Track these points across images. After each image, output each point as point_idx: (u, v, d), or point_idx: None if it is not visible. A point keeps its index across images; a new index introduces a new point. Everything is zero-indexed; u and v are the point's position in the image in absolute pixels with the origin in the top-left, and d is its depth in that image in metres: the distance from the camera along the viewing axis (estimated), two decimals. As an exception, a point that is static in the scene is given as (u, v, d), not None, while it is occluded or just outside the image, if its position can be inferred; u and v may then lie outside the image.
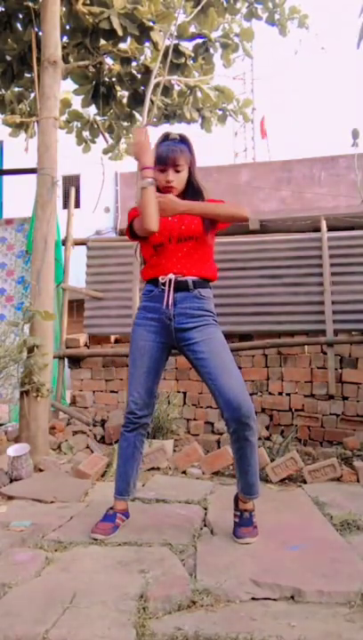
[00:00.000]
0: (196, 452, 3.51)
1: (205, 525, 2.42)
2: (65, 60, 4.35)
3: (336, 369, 4.45)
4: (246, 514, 2.27)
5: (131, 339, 2.38)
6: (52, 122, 3.86)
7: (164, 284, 2.27)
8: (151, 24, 4.20)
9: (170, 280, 2.26)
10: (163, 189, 2.30)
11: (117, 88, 4.99)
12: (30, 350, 3.53)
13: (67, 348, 4.89)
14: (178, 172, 2.31)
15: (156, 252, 2.33)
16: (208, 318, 2.31)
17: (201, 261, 2.34)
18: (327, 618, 1.61)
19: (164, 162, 2.29)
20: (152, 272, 2.34)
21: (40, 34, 4.09)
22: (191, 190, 2.37)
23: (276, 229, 5.18)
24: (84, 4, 4.29)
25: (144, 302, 2.37)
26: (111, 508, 2.35)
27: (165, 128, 5.28)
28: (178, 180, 2.32)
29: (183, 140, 2.37)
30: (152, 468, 3.41)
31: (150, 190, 2.21)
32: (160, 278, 2.29)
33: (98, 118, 5.29)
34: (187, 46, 4.71)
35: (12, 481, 3.10)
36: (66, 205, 5.29)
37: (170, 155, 2.29)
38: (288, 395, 4.54)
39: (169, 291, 2.26)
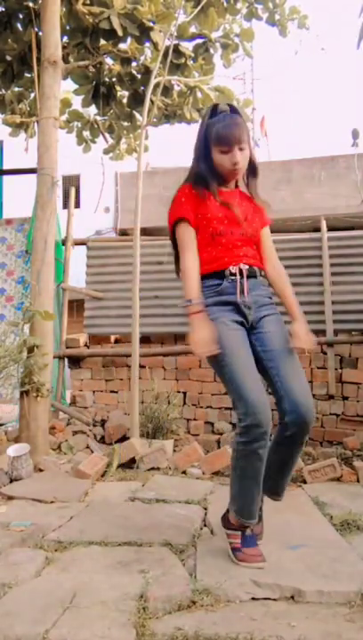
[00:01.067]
0: (196, 451, 3.51)
1: (205, 525, 2.42)
2: (65, 60, 4.35)
3: (336, 369, 4.45)
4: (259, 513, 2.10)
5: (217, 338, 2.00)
6: (52, 122, 3.86)
7: (234, 274, 2.06)
8: (151, 24, 4.20)
9: (240, 269, 2.06)
10: (229, 173, 2.09)
11: (117, 88, 4.99)
12: (30, 350, 3.53)
13: (67, 348, 4.89)
14: (242, 149, 2.06)
15: (214, 242, 2.10)
16: (275, 307, 2.16)
17: (259, 254, 2.19)
18: (327, 618, 1.61)
19: (227, 142, 2.02)
20: (216, 265, 2.09)
21: (40, 34, 4.09)
22: (250, 169, 2.15)
23: (276, 229, 5.18)
24: (84, 4, 4.29)
25: (213, 297, 2.07)
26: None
27: (165, 128, 5.28)
28: (244, 159, 2.07)
29: (236, 112, 2.09)
30: (152, 468, 3.41)
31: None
32: (230, 268, 2.07)
33: (98, 118, 5.29)
34: (187, 46, 4.70)
35: (12, 481, 3.10)
36: (66, 205, 5.28)
37: (234, 132, 2.02)
38: (288, 395, 4.53)
39: (242, 279, 2.06)
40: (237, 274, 2.07)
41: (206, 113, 2.14)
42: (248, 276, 2.09)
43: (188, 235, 2.12)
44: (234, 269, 2.07)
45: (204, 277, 2.10)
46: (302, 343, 2.09)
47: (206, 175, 2.11)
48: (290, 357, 2.05)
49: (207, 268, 2.10)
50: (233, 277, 2.06)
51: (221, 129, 2.03)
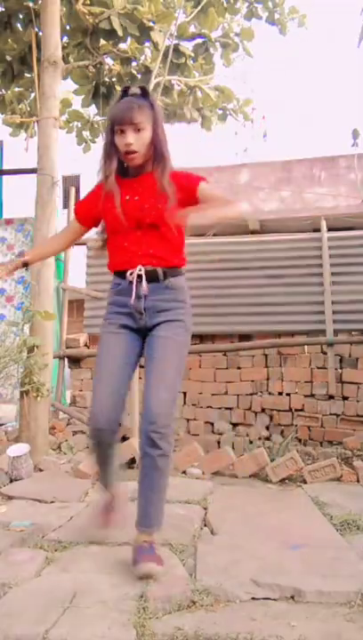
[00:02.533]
0: (196, 451, 3.50)
1: (205, 525, 2.42)
2: (65, 60, 4.35)
3: (336, 369, 4.45)
4: (147, 543, 1.90)
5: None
6: (52, 122, 3.86)
7: (133, 276, 2.01)
8: (151, 24, 4.21)
9: (138, 274, 2.00)
10: (124, 155, 1.99)
11: (117, 88, 4.99)
12: (30, 350, 3.53)
13: (67, 348, 4.89)
14: (139, 130, 1.95)
15: (114, 239, 2.08)
16: (180, 312, 2.06)
17: (170, 248, 2.06)
18: (327, 618, 1.61)
19: (120, 121, 1.95)
20: (119, 264, 2.08)
21: (40, 34, 4.09)
22: (156, 154, 2.02)
23: (276, 229, 5.18)
24: (84, 4, 4.29)
25: (113, 297, 2.12)
26: None
27: (165, 128, 5.28)
28: (140, 141, 1.96)
29: (144, 95, 2.02)
30: (152, 468, 3.40)
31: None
32: (129, 271, 2.02)
33: (98, 118, 5.29)
34: (187, 46, 4.71)
35: (12, 481, 3.10)
36: (66, 205, 5.28)
37: (128, 112, 1.93)
38: (288, 395, 4.53)
39: (135, 283, 2.00)
40: (135, 277, 2.01)
41: (118, 95, 2.07)
42: (149, 280, 2.01)
43: (68, 225, 2.29)
44: (132, 272, 2.02)
45: (113, 274, 2.13)
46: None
47: (104, 158, 2.03)
48: (163, 366, 1.98)
49: (113, 267, 2.12)
50: (131, 280, 2.02)
51: (116, 108, 1.99)
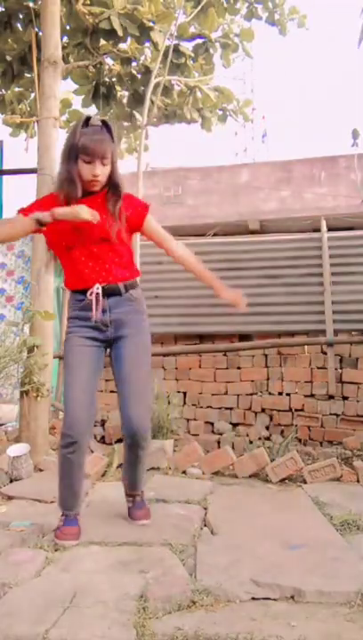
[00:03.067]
0: (196, 451, 3.50)
1: (205, 525, 2.43)
2: (65, 60, 4.35)
3: (336, 369, 4.45)
4: (138, 498, 2.44)
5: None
6: (52, 122, 3.86)
7: (93, 294, 2.20)
8: (151, 24, 4.21)
9: (97, 294, 2.20)
10: (88, 183, 2.17)
11: (117, 88, 4.99)
12: (30, 350, 3.53)
13: (67, 348, 4.88)
14: (104, 165, 2.16)
15: (70, 255, 2.23)
16: (141, 321, 2.31)
17: (126, 262, 2.27)
18: (327, 618, 1.61)
19: (91, 154, 2.13)
20: (79, 284, 2.24)
21: (40, 34, 4.09)
22: (112, 185, 2.23)
23: (276, 229, 5.19)
24: (84, 4, 4.29)
25: (76, 311, 2.26)
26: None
27: (166, 128, 5.29)
28: (104, 173, 2.18)
29: (107, 128, 2.20)
30: (152, 468, 3.40)
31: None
32: (90, 289, 2.20)
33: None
34: (187, 46, 4.71)
35: (12, 481, 3.10)
36: (66, 205, 5.28)
37: (98, 147, 2.13)
38: (288, 395, 4.53)
39: (98, 300, 2.20)
40: (95, 295, 2.20)
41: (79, 123, 2.21)
42: (109, 295, 2.22)
43: (12, 218, 2.34)
44: (93, 290, 2.20)
45: (72, 291, 2.30)
46: (238, 305, 2.37)
47: (69, 181, 2.18)
48: (134, 374, 2.25)
49: (73, 285, 2.27)
50: (92, 297, 2.20)
51: (88, 141, 2.14)
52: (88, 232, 2.18)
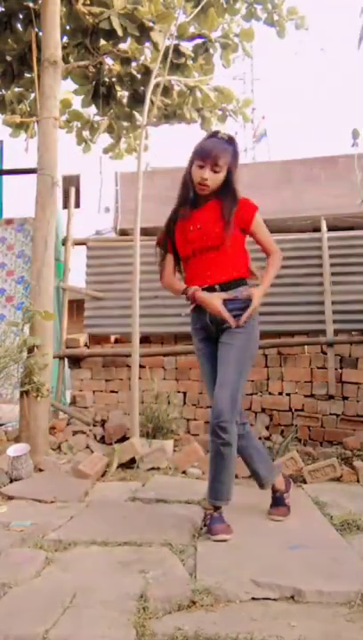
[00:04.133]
0: (196, 452, 3.51)
1: (205, 525, 2.42)
2: (65, 60, 4.35)
3: (336, 369, 4.45)
4: (217, 513, 2.35)
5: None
6: (52, 122, 3.86)
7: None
8: (151, 24, 4.20)
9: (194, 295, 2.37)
10: (196, 185, 2.30)
11: (117, 88, 4.99)
12: (30, 350, 3.53)
13: (67, 347, 4.89)
14: (216, 172, 2.28)
15: (187, 265, 2.46)
16: (238, 318, 2.35)
17: (228, 265, 2.39)
18: (327, 618, 1.61)
19: (204, 157, 2.25)
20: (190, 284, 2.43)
21: (40, 34, 4.09)
22: (225, 192, 2.34)
23: (276, 229, 5.18)
24: (84, 4, 4.29)
25: (194, 314, 2.48)
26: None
27: (165, 128, 5.29)
28: (214, 179, 2.29)
29: (230, 142, 2.33)
30: (152, 468, 3.41)
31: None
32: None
33: (97, 118, 5.29)
34: (187, 46, 4.70)
35: (12, 481, 3.10)
36: (66, 205, 5.28)
37: (212, 151, 2.25)
38: (288, 395, 4.53)
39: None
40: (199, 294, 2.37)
41: (207, 134, 2.38)
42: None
43: (163, 259, 2.56)
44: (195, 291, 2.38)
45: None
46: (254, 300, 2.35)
47: (183, 184, 2.35)
48: (226, 366, 2.34)
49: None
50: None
51: (203, 143, 2.27)
52: (199, 243, 2.40)
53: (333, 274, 4.57)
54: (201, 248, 2.37)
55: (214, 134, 2.35)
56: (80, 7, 4.26)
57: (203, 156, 2.24)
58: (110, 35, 4.24)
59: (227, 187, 2.34)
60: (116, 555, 2.06)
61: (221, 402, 2.26)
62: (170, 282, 2.54)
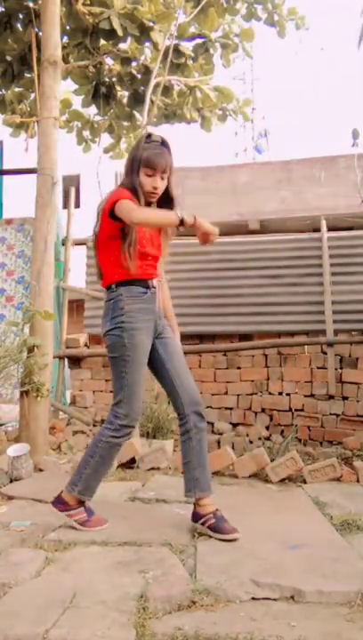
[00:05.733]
0: (196, 452, 3.50)
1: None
2: (65, 60, 4.35)
3: (336, 369, 4.45)
4: (219, 512, 2.30)
5: (129, 344, 2.32)
6: (52, 122, 3.86)
7: (154, 287, 2.39)
8: (151, 24, 4.20)
9: (154, 285, 2.41)
10: (147, 194, 2.33)
11: (117, 88, 4.99)
12: (30, 350, 3.53)
13: (67, 348, 4.89)
14: (163, 179, 2.35)
15: (141, 255, 2.36)
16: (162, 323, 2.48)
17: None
18: (327, 618, 1.61)
19: (153, 167, 2.30)
20: (145, 273, 2.38)
21: (40, 34, 4.09)
22: (166, 196, 2.40)
23: (276, 229, 5.19)
24: (84, 4, 4.29)
25: (138, 304, 2.34)
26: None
27: (166, 128, 5.29)
28: (162, 187, 2.36)
29: (166, 145, 2.37)
30: (152, 468, 3.41)
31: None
32: (153, 281, 2.40)
33: (98, 118, 5.29)
34: (187, 46, 4.70)
35: (12, 481, 3.10)
36: (66, 205, 5.28)
37: (161, 162, 2.31)
38: (288, 395, 4.54)
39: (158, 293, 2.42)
40: (156, 287, 2.41)
41: (142, 138, 2.40)
42: None
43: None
44: (154, 283, 2.40)
45: (128, 283, 2.34)
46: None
47: (137, 191, 2.32)
48: (182, 359, 2.46)
49: (133, 275, 2.34)
50: (153, 290, 2.39)
51: (152, 155, 2.30)
52: (152, 245, 2.39)
53: (333, 274, 4.57)
54: (153, 255, 2.42)
55: (151, 138, 2.35)
56: (80, 7, 4.26)
57: (152, 165, 2.29)
58: (110, 35, 4.24)
59: (166, 192, 2.39)
60: (116, 555, 2.06)
61: (194, 390, 2.40)
62: (150, 210, 2.35)
